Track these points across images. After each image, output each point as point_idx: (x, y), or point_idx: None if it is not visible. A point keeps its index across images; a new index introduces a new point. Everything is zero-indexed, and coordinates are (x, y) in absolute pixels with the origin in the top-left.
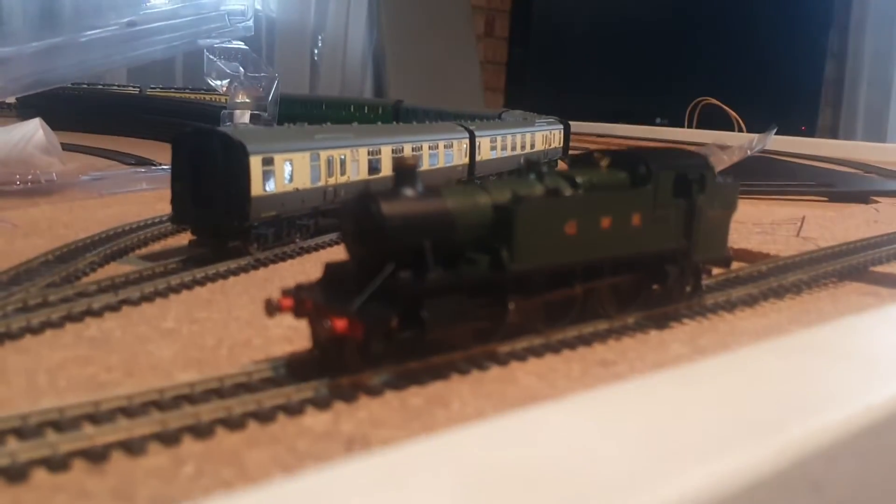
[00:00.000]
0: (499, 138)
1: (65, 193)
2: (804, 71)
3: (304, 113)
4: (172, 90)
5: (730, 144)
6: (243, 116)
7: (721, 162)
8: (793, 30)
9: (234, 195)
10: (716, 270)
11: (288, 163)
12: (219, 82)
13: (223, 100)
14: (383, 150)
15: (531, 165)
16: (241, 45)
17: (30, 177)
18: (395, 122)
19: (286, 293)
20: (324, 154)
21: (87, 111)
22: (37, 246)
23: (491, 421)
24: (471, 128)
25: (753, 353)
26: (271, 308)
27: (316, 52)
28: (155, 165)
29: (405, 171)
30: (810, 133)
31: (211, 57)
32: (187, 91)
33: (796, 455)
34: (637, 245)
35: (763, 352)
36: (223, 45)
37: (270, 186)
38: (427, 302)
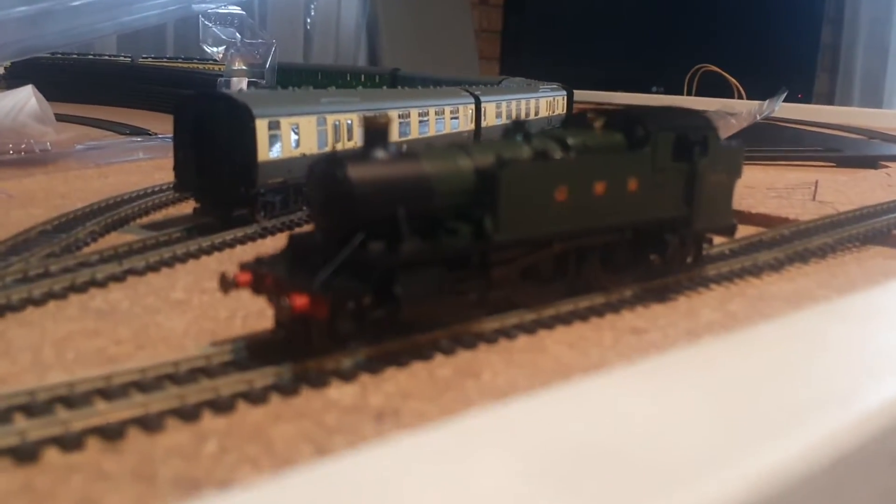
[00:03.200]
0: (504, 104)
1: (59, 163)
2: (801, 36)
3: (300, 83)
4: (165, 60)
5: (738, 110)
6: (240, 84)
7: (730, 127)
8: None
9: (240, 161)
10: (740, 233)
11: (294, 127)
12: (215, 49)
13: (219, 69)
14: (390, 114)
15: (518, 126)
16: (237, 10)
17: (23, 146)
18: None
19: (244, 267)
20: (330, 118)
21: (78, 81)
22: (34, 216)
23: (546, 393)
24: (476, 93)
25: (806, 318)
26: (226, 284)
27: (309, 20)
28: (151, 135)
29: (376, 131)
30: (807, 99)
31: (206, 23)
32: (180, 60)
33: (876, 428)
34: (634, 212)
35: (816, 317)
36: (218, 11)
37: (277, 152)
38: (401, 276)
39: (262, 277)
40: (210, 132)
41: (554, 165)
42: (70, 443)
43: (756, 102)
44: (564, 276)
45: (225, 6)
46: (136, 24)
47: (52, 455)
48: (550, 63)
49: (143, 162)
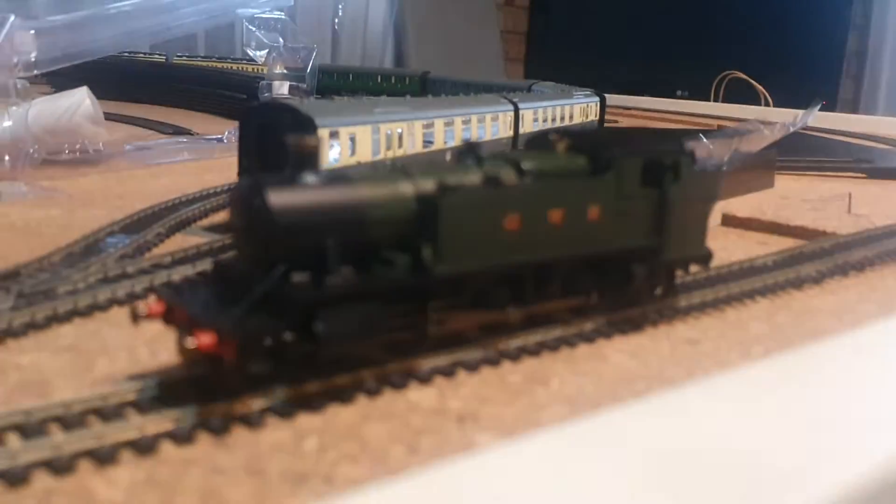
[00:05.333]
0: (540, 110)
1: (111, 163)
2: (826, 43)
3: (331, 83)
4: (199, 59)
5: (773, 121)
6: (282, 87)
7: (764, 138)
8: (815, 1)
9: (302, 169)
10: (780, 244)
11: (351, 136)
12: (258, 53)
13: (250, 69)
14: (437, 123)
15: (470, 148)
16: (280, 14)
17: (78, 146)
18: (422, 94)
19: (160, 295)
20: (384, 127)
21: (115, 79)
22: (97, 217)
23: (640, 401)
24: (514, 100)
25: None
26: (136, 315)
27: (336, 21)
28: (193, 135)
29: (305, 154)
30: (831, 106)
31: (250, 27)
32: (214, 60)
33: None
34: (595, 242)
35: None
36: (262, 15)
37: (335, 160)
38: (323, 312)
39: (173, 309)
40: (274, 140)
41: (503, 192)
42: (183, 438)
43: (791, 112)
44: (520, 308)
45: (269, 11)
46: (184, 27)
47: (168, 449)
48: (575, 65)
49: (190, 163)
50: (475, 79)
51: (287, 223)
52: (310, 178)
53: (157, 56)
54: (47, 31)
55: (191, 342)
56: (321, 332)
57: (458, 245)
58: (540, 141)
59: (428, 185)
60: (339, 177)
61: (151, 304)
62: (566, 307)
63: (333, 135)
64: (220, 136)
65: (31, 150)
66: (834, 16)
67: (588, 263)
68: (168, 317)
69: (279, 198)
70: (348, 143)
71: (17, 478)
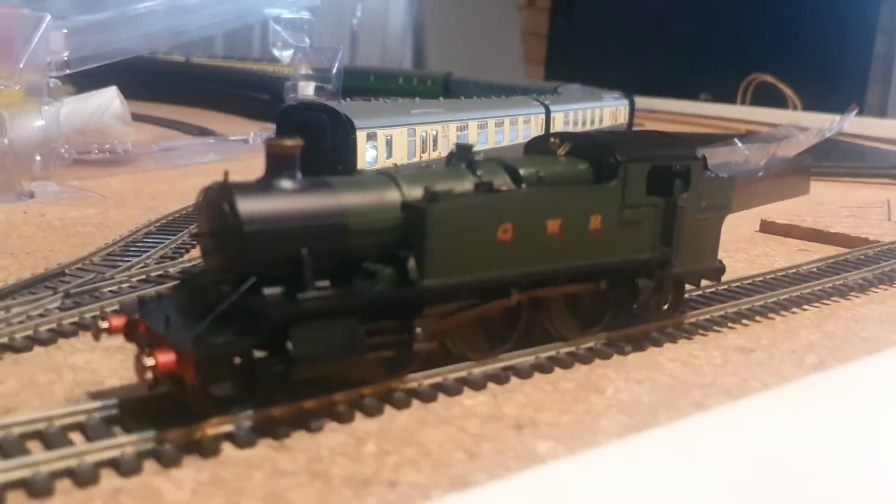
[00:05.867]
0: (571, 113)
1: (139, 164)
2: (853, 46)
3: (351, 84)
4: (221, 59)
5: (808, 126)
6: (307, 88)
7: (799, 144)
8: (840, 2)
9: (340, 170)
10: (822, 252)
11: (388, 138)
12: (284, 53)
13: (270, 69)
14: (470, 125)
15: (462, 152)
16: (307, 15)
17: (107, 146)
18: (445, 95)
19: (122, 309)
20: (419, 129)
21: (137, 79)
22: (131, 217)
23: (727, 407)
24: (546, 102)
25: None
26: (97, 331)
27: (355, 21)
28: (216, 135)
29: (281, 157)
30: (859, 111)
31: (276, 27)
32: (234, 60)
33: None
34: (597, 254)
35: None
36: (290, 16)
37: (372, 161)
38: (297, 329)
39: (135, 324)
40: (312, 141)
41: (496, 200)
42: (244, 441)
43: (820, 117)
44: (515, 326)
45: (296, 11)
46: (212, 27)
47: (229, 450)
48: (596, 67)
49: (216, 164)
50: (499, 80)
51: (256, 231)
52: (286, 183)
53: (176, 56)
54: (79, 30)
55: (148, 361)
56: (294, 351)
57: (446, 257)
58: (540, 144)
59: (415, 191)
60: (318, 182)
61: (112, 317)
62: (568, 325)
63: (371, 136)
64: (245, 138)
65: (63, 150)
66: (862, 18)
67: (588, 277)
68: (129, 332)
69: (249, 204)
70: (385, 144)
71: (85, 477)
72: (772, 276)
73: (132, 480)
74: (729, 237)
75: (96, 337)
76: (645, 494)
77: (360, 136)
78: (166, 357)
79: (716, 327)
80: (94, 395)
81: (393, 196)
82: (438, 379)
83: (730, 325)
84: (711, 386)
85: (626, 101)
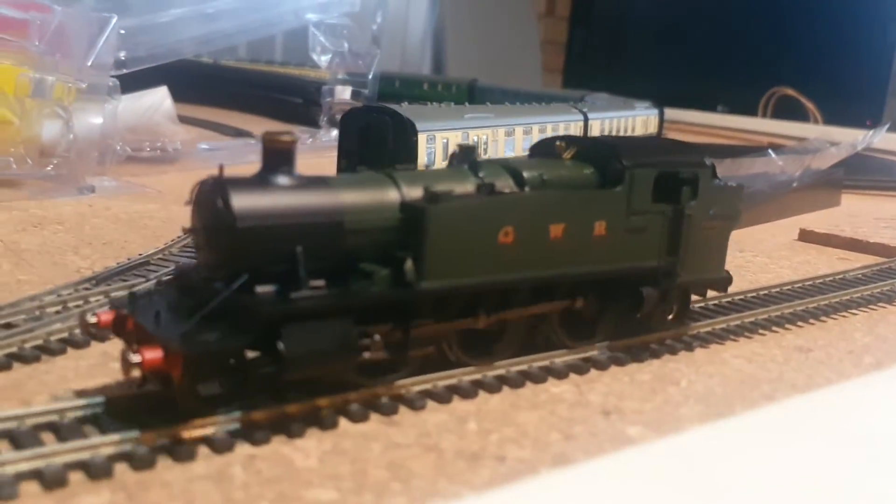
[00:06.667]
0: (607, 121)
1: (186, 162)
2: (873, 62)
3: (378, 88)
4: (247, 62)
5: (838, 140)
6: (344, 92)
7: (831, 157)
8: (859, 17)
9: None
10: (859, 261)
11: (445, 141)
12: (323, 57)
13: (303, 73)
14: (517, 130)
15: (465, 152)
16: (347, 20)
17: (159, 144)
18: (470, 102)
19: (114, 304)
20: (472, 133)
21: (168, 80)
22: None
23: (796, 400)
24: (584, 110)
25: None
26: (85, 326)
27: (375, 27)
28: (253, 137)
29: (278, 152)
30: (875, 125)
31: (315, 32)
32: (262, 64)
33: None
34: (601, 261)
35: None
36: (330, 21)
37: (431, 162)
38: (288, 329)
39: (124, 319)
40: (375, 143)
41: (497, 202)
42: (358, 415)
43: (840, 131)
44: (514, 332)
45: (338, 16)
46: (257, 31)
47: (345, 424)
48: (613, 77)
49: (257, 164)
50: (524, 88)
51: (250, 227)
52: (282, 179)
53: (205, 58)
54: (135, 31)
55: (134, 358)
56: (285, 351)
57: (444, 258)
58: (546, 148)
59: (414, 191)
60: (315, 180)
61: (101, 312)
62: (567, 332)
63: (430, 139)
64: None
65: (118, 147)
66: (881, 34)
67: (591, 285)
68: (117, 328)
69: (243, 199)
70: (442, 146)
71: (222, 445)
72: (820, 280)
73: (263, 449)
74: (769, 245)
75: (85, 331)
76: (734, 476)
77: (421, 138)
78: (153, 354)
79: (774, 327)
80: None
81: (392, 196)
82: (524, 367)
83: (786, 325)
84: (778, 381)
85: (655, 111)
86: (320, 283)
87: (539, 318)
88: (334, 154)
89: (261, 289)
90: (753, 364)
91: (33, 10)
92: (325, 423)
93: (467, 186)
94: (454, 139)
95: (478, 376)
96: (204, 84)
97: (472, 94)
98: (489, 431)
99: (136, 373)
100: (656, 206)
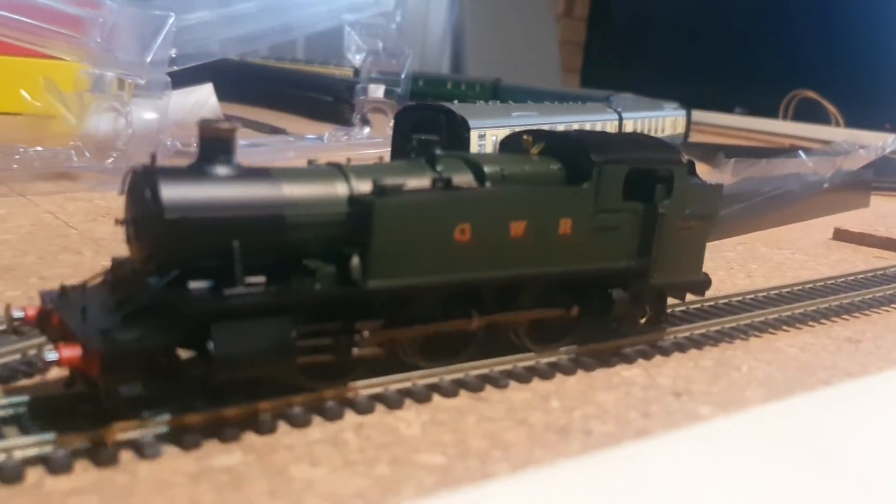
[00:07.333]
0: (639, 121)
1: None
2: (893, 64)
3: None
4: (278, 60)
5: (867, 143)
6: (378, 91)
7: (860, 159)
8: (880, 20)
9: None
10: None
11: (494, 138)
12: (358, 57)
13: (333, 72)
14: (558, 128)
15: (424, 145)
16: (381, 20)
17: None
18: (494, 101)
19: (44, 297)
20: (519, 130)
21: (200, 77)
22: None
23: (852, 384)
24: (618, 109)
25: None
26: (9, 320)
27: (394, 27)
28: (287, 134)
29: (215, 140)
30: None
31: (350, 31)
32: (286, 62)
33: None
34: (566, 261)
35: None
36: (366, 21)
37: None
38: (219, 328)
39: (48, 314)
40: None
41: (453, 197)
42: (449, 391)
43: (861, 134)
44: (471, 335)
45: (375, 17)
46: (297, 31)
47: (438, 400)
48: (631, 77)
49: (296, 161)
50: (547, 87)
51: (178, 220)
52: (220, 170)
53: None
54: (182, 29)
55: (50, 356)
56: (214, 352)
57: (394, 256)
58: (511, 142)
59: (364, 185)
60: (257, 171)
61: (28, 307)
62: (531, 335)
63: (482, 136)
64: (320, 136)
65: (168, 142)
66: None
67: (555, 286)
68: (42, 323)
69: (174, 190)
70: (492, 143)
71: (332, 413)
72: (861, 276)
73: (370, 418)
74: (805, 243)
75: (11, 328)
76: (810, 450)
77: (473, 135)
78: (71, 352)
79: (822, 319)
80: None
81: (340, 189)
82: (596, 351)
83: (833, 318)
84: (833, 368)
85: (683, 112)
86: (260, 279)
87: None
88: (369, 151)
89: (194, 285)
90: (807, 353)
91: (90, 7)
92: (421, 396)
93: (422, 180)
94: (503, 136)
95: (553, 359)
96: (234, 81)
97: (495, 93)
98: (572, 409)
99: (59, 371)
100: (627, 204)
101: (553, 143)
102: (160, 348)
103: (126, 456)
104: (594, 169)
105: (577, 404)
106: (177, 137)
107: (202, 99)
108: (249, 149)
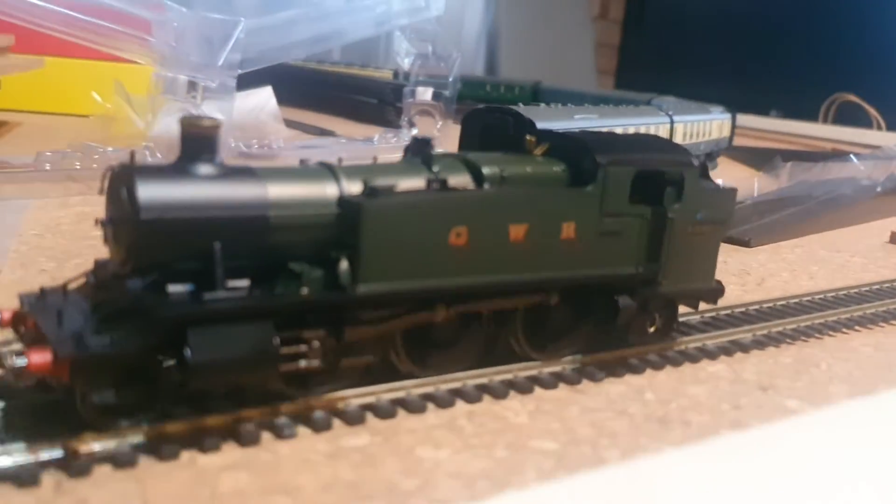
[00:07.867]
0: (689, 125)
1: (286, 159)
2: None
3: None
4: (318, 63)
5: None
6: (426, 94)
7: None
8: None
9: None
10: None
11: None
12: (407, 60)
13: (377, 75)
14: (616, 130)
15: (419, 145)
16: (430, 23)
17: (266, 142)
18: (534, 103)
19: (23, 300)
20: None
21: (246, 80)
22: None
23: None
24: (669, 112)
25: None
26: None
27: (430, 28)
28: (336, 136)
29: (197, 138)
30: None
31: (400, 35)
32: (326, 65)
33: None
34: (569, 266)
35: None
36: (417, 25)
37: None
38: (196, 333)
39: (23, 318)
40: (495, 141)
41: (448, 199)
42: (549, 383)
43: None
44: (474, 342)
45: (425, 21)
46: (353, 35)
47: (540, 391)
48: (665, 79)
49: (350, 163)
50: (588, 90)
51: (154, 220)
52: (202, 168)
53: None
54: (251, 32)
55: (18, 361)
56: (191, 358)
57: (384, 260)
58: (514, 142)
59: (355, 186)
60: (241, 170)
61: (4, 309)
62: (532, 344)
63: None
64: (371, 138)
65: (231, 143)
66: None
67: (559, 292)
68: (17, 325)
69: (151, 189)
70: None
71: (444, 401)
72: None
73: (478, 406)
74: (862, 247)
75: None
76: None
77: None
78: (41, 357)
79: (892, 320)
80: None
81: (329, 190)
82: (682, 347)
83: (890, 321)
84: None
85: (728, 116)
86: (243, 283)
87: (501, 326)
88: None
89: (174, 288)
90: (882, 352)
91: (160, 10)
92: (523, 388)
93: (417, 181)
94: None
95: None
96: (281, 84)
97: (535, 96)
98: (667, 401)
99: (23, 378)
100: (634, 207)
101: (557, 145)
102: (131, 354)
103: (266, 436)
104: (599, 170)
105: (672, 397)
106: (238, 139)
107: (262, 101)
108: (306, 150)
